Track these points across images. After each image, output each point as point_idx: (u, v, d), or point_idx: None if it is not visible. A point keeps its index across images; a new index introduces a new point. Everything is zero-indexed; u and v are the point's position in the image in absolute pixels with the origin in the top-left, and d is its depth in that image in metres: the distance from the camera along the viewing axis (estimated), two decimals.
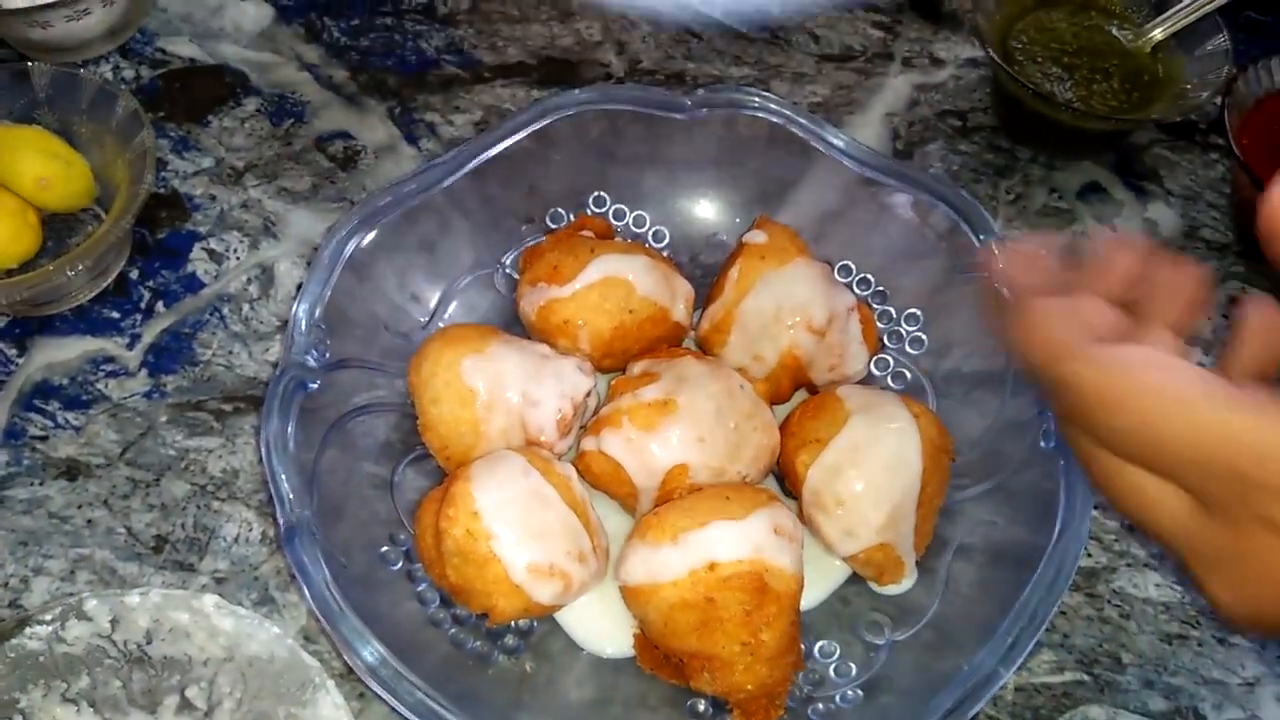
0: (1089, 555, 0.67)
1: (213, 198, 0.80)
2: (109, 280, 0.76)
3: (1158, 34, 0.80)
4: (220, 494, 0.68)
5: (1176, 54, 0.80)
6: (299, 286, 0.67)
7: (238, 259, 0.77)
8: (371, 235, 0.65)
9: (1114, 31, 0.82)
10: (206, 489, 0.68)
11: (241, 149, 0.82)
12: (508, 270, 0.73)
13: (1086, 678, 0.63)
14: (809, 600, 0.62)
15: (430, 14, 0.90)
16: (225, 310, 0.75)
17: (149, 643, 0.59)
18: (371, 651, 0.54)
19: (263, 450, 0.58)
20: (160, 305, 0.75)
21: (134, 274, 0.76)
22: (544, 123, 0.69)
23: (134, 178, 0.71)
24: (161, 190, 0.80)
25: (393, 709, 0.54)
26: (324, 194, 0.80)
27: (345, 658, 0.54)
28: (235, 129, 0.83)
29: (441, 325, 0.70)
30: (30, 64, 0.74)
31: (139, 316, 0.75)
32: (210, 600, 0.59)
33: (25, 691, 0.58)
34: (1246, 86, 0.75)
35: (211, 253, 0.78)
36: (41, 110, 0.75)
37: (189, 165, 0.81)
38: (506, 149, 0.69)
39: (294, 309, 0.62)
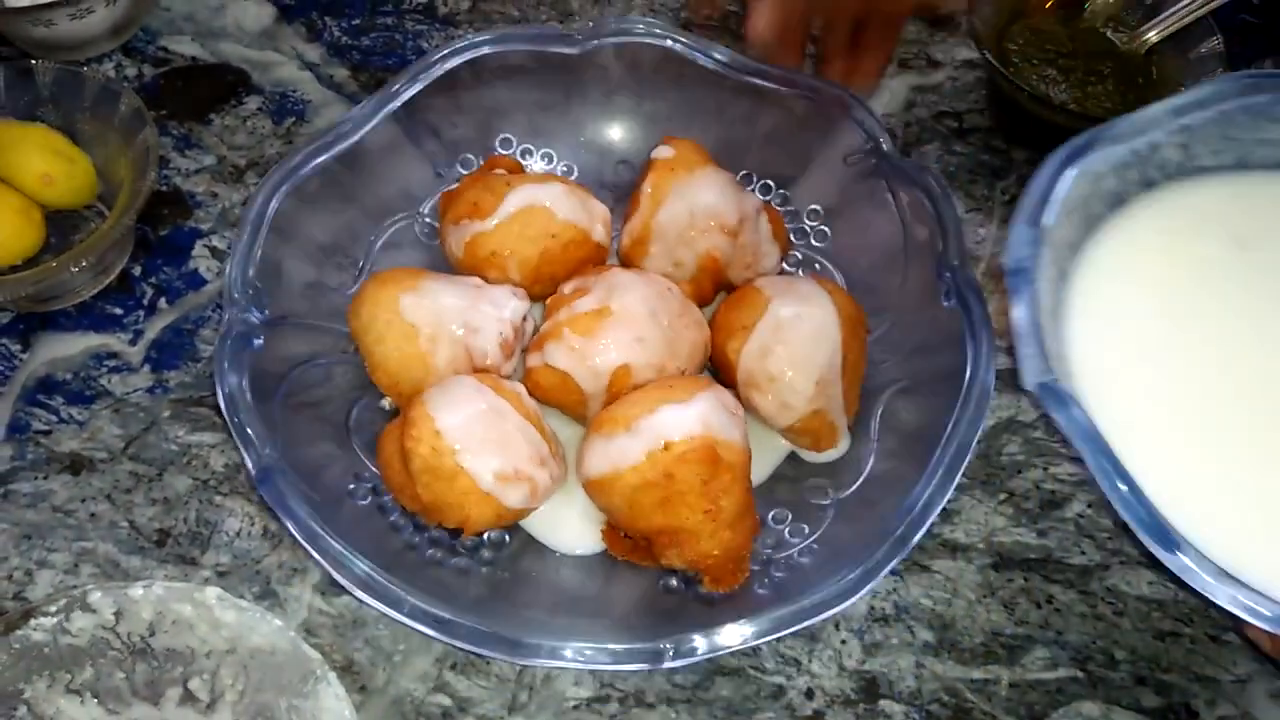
0: (1082, 553, 0.68)
1: (214, 195, 0.80)
2: (112, 277, 0.76)
3: (1153, 36, 0.81)
4: (222, 488, 0.69)
5: (1171, 57, 0.80)
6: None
7: None
8: (291, 194, 0.67)
9: (1109, 34, 0.83)
10: (208, 484, 0.69)
11: (243, 147, 0.83)
12: (426, 219, 0.76)
13: (1080, 674, 0.64)
14: (756, 477, 0.66)
15: (431, 14, 0.91)
16: None
17: (152, 635, 0.60)
18: (362, 567, 0.56)
19: (224, 405, 0.60)
20: (163, 302, 0.76)
21: (136, 270, 0.77)
22: (443, 69, 0.72)
23: (137, 175, 0.72)
24: (164, 188, 0.80)
25: (389, 618, 0.56)
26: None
27: (336, 575, 0.56)
28: (237, 127, 0.84)
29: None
30: (34, 62, 0.75)
31: (141, 313, 0.75)
32: (213, 593, 0.60)
33: (30, 682, 0.58)
34: None
35: (213, 250, 0.78)
36: (45, 108, 0.76)
37: (191, 163, 0.82)
38: (411, 99, 0.71)
39: (227, 270, 0.64)
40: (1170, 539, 0.42)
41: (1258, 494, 0.47)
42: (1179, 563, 0.42)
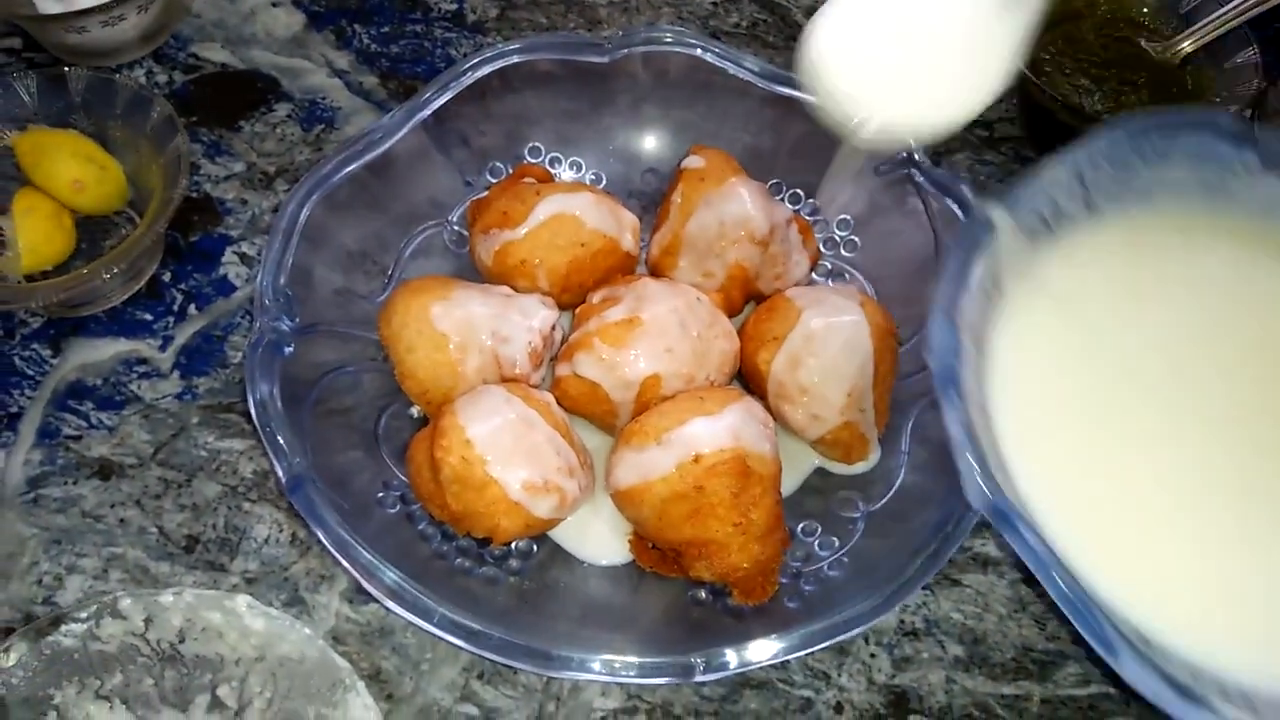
0: None
1: (244, 202, 0.81)
2: (142, 282, 0.76)
3: (1187, 46, 0.80)
4: (251, 495, 0.69)
5: (1206, 67, 0.80)
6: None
7: None
8: (322, 202, 0.68)
9: (1143, 44, 0.82)
10: (237, 490, 0.69)
11: (272, 154, 0.83)
12: (455, 226, 0.76)
13: (1113, 690, 0.63)
14: (784, 489, 0.65)
15: (459, 21, 0.91)
16: None
17: (182, 641, 0.60)
18: (391, 577, 0.56)
19: (254, 413, 0.60)
20: (192, 308, 0.76)
21: (166, 276, 0.77)
22: (473, 78, 0.72)
23: (168, 183, 0.72)
24: (194, 194, 0.81)
25: (418, 628, 0.56)
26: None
27: (366, 585, 0.56)
28: (266, 134, 0.84)
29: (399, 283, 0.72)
30: (67, 69, 0.75)
31: (171, 319, 0.75)
32: (243, 600, 0.60)
33: (59, 688, 0.59)
34: (1277, 100, 0.75)
35: (243, 256, 0.78)
36: (77, 114, 0.76)
37: (221, 170, 0.82)
38: (440, 108, 0.72)
39: (259, 279, 0.64)
40: (1117, 651, 0.40)
41: (1201, 572, 0.46)
42: (1131, 673, 0.40)
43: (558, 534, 0.65)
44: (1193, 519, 0.47)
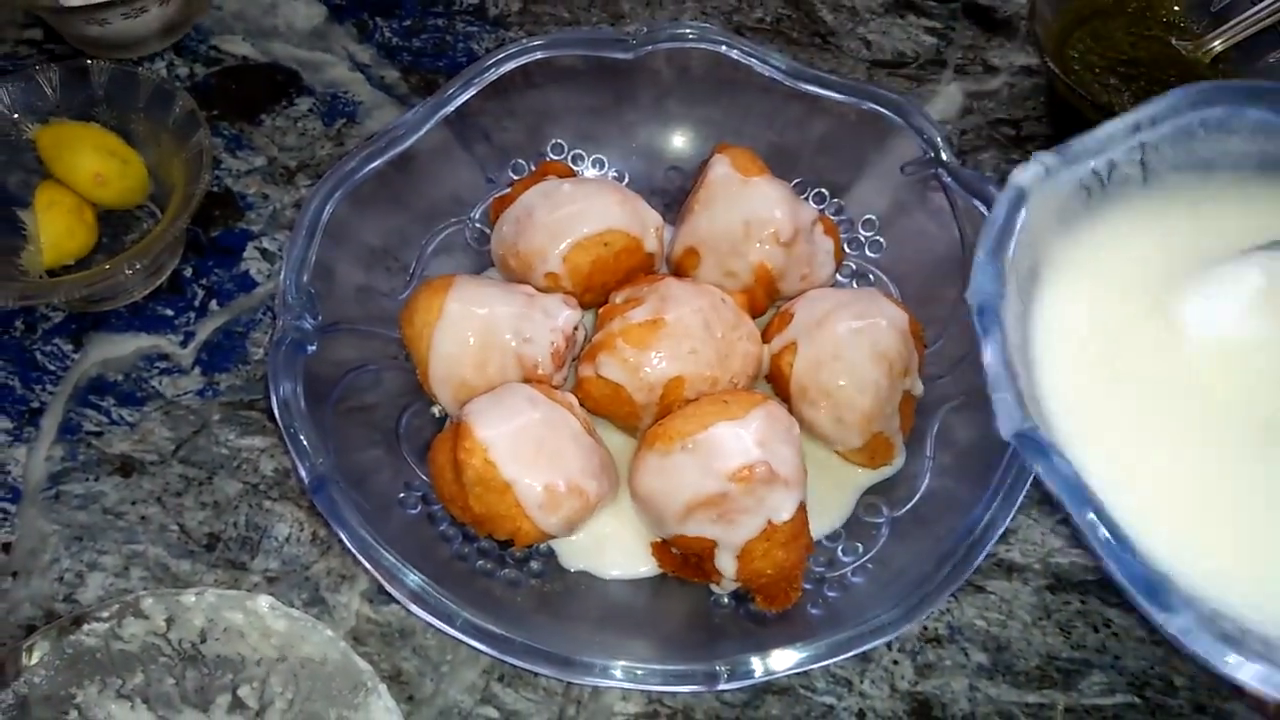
0: None
1: (265, 197, 0.80)
2: (163, 278, 0.76)
3: (1218, 45, 0.79)
4: (272, 493, 0.69)
5: (1237, 66, 0.79)
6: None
7: None
8: (344, 199, 0.67)
9: (1173, 42, 0.81)
10: (259, 488, 0.69)
11: (294, 148, 0.83)
12: (477, 224, 0.75)
13: (1138, 700, 0.63)
14: (831, 522, 0.65)
15: (482, 15, 0.90)
16: None
17: (203, 641, 0.60)
18: (414, 580, 0.56)
19: (277, 412, 0.60)
20: (214, 304, 0.76)
21: (188, 272, 0.77)
22: (497, 74, 0.72)
23: (190, 178, 0.71)
24: (215, 189, 0.80)
25: (440, 631, 0.56)
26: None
27: (388, 587, 0.56)
28: (288, 128, 0.83)
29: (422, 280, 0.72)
30: (90, 62, 0.75)
31: (193, 314, 0.75)
32: (265, 601, 0.60)
33: (81, 687, 0.58)
34: None
35: (264, 252, 0.78)
36: (99, 108, 0.76)
37: (242, 164, 0.82)
38: (463, 105, 0.71)
39: (281, 276, 0.64)
40: (1166, 598, 0.38)
41: (1256, 528, 0.45)
42: (1179, 624, 0.37)
43: (577, 552, 0.64)
44: (1229, 467, 0.46)
